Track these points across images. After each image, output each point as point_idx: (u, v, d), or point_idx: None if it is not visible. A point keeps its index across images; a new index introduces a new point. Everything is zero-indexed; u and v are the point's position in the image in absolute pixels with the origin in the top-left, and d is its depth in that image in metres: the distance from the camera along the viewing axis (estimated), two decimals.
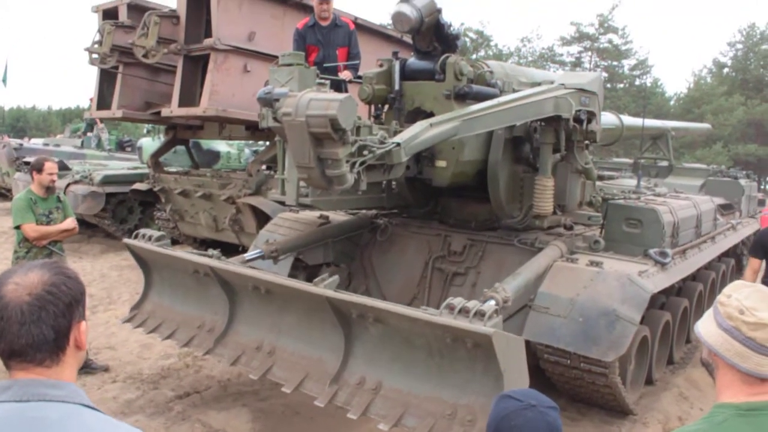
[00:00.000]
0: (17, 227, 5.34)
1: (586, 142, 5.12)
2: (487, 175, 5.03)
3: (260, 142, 13.11)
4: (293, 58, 4.32)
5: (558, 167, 5.19)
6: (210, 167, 11.57)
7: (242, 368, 4.31)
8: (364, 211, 6.01)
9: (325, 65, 5.80)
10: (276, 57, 4.47)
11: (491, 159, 5.00)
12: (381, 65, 5.11)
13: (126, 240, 5.17)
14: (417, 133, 3.70)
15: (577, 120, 4.74)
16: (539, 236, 5.09)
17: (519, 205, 5.19)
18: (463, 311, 3.25)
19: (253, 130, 9.14)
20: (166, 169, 10.70)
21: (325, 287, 3.78)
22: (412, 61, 5.05)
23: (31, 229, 5.32)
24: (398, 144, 3.53)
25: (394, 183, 5.45)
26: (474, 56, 34.05)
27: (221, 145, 13.13)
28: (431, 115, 4.63)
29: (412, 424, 3.38)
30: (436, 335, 3.34)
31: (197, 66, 8.37)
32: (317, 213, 5.97)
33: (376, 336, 3.68)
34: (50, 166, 5.49)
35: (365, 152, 3.45)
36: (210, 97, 7.76)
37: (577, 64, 41.24)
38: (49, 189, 5.49)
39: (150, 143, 13.58)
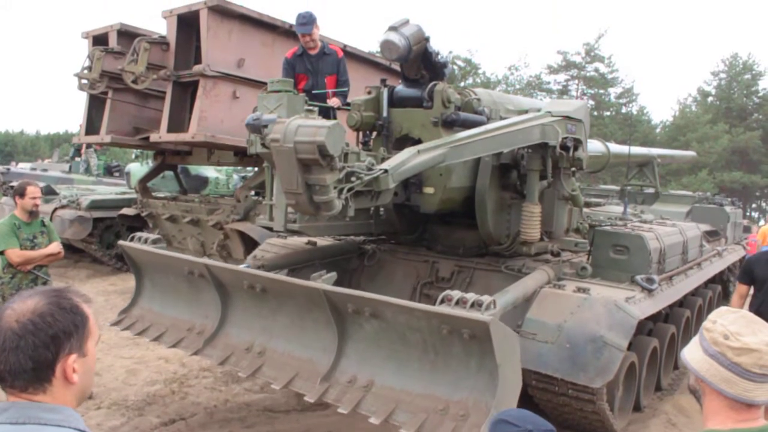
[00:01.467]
0: (0, 253, 5.30)
1: (573, 169, 5.16)
2: (474, 201, 5.05)
3: (249, 168, 13.09)
4: (282, 84, 4.34)
5: (545, 194, 5.22)
6: (198, 193, 11.56)
7: (231, 368, 4.30)
8: (352, 237, 6.01)
9: (313, 92, 5.83)
10: (265, 84, 4.49)
11: (479, 186, 5.02)
12: (369, 92, 5.14)
13: (121, 242, 5.20)
14: (405, 160, 3.71)
15: (564, 147, 4.78)
16: (526, 262, 5.11)
17: (506, 232, 5.21)
18: (461, 302, 3.33)
19: (241, 156, 9.15)
20: (154, 194, 10.67)
21: (323, 282, 3.83)
22: (400, 88, 5.09)
23: (15, 254, 5.27)
24: (386, 170, 3.55)
25: (381, 209, 5.45)
26: (462, 84, 34.39)
27: (210, 171, 13.13)
28: (419, 142, 4.66)
29: (403, 419, 3.36)
30: (432, 328, 3.35)
31: (186, 92, 8.41)
32: (305, 239, 5.97)
33: (371, 333, 3.68)
34: (33, 191, 5.45)
35: (353, 178, 3.47)
36: (199, 123, 7.79)
37: (564, 92, 41.75)
38: (33, 213, 5.45)
39: (138, 168, 13.56)
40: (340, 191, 3.42)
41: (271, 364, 4.07)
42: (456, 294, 3.40)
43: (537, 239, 5.03)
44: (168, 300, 4.97)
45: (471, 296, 3.37)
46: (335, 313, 3.75)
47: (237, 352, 4.27)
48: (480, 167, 5.03)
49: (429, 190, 4.84)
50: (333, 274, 3.95)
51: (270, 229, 4.94)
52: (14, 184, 13.37)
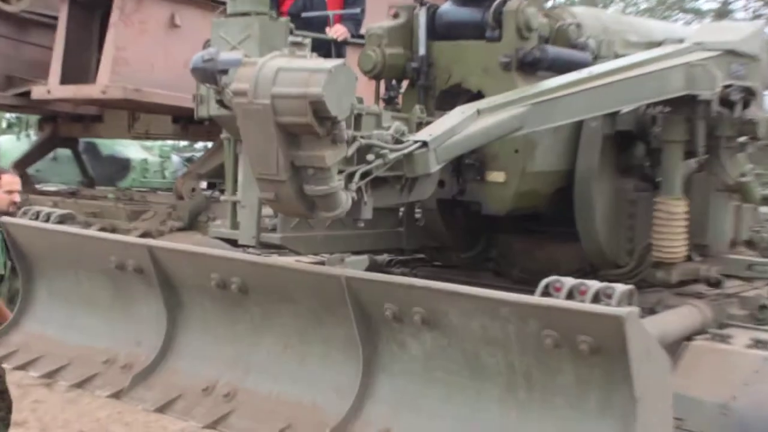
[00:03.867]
0: None
1: (742, 139, 5.12)
2: (573, 195, 5.05)
3: (197, 145, 13.13)
4: (252, 3, 4.36)
5: (694, 182, 5.19)
6: (114, 184, 11.65)
7: (177, 416, 4.29)
8: (366, 257, 6.00)
9: (303, 15, 5.85)
10: (222, 4, 4.52)
11: (580, 169, 5.02)
12: (396, 16, 5.16)
13: (3, 219, 5.24)
14: (455, 126, 3.71)
15: (726, 102, 4.75)
16: (664, 297, 5.09)
17: (628, 246, 5.20)
18: (577, 292, 3.20)
19: (184, 123, 9.20)
20: (39, 186, 10.78)
21: (348, 265, 3.89)
22: (448, 8, 5.12)
23: None
24: (425, 143, 3.55)
25: (418, 209, 5.47)
26: (550, 3, 34.27)
27: (132, 149, 13.22)
28: (479, 96, 4.66)
29: None
30: (525, 337, 3.25)
31: (92, 17, 8.47)
32: (292, 258, 5.99)
33: (420, 357, 3.64)
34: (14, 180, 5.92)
35: (370, 157, 3.46)
36: (113, 69, 7.84)
37: (723, 13, 41.48)
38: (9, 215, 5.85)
39: (12, 144, 13.69)
40: (349, 178, 3.42)
41: (246, 410, 4.05)
42: (568, 281, 3.25)
43: (681, 257, 5.00)
44: (75, 317, 5.00)
45: (594, 283, 3.23)
46: (363, 323, 3.69)
47: (188, 395, 4.26)
48: (582, 139, 5.02)
49: (497, 176, 4.84)
50: (364, 257, 3.95)
51: (233, 243, 4.96)
52: None
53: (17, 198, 5.81)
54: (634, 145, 5.15)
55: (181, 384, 4.35)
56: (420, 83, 5.02)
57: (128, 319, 4.76)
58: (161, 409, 4.26)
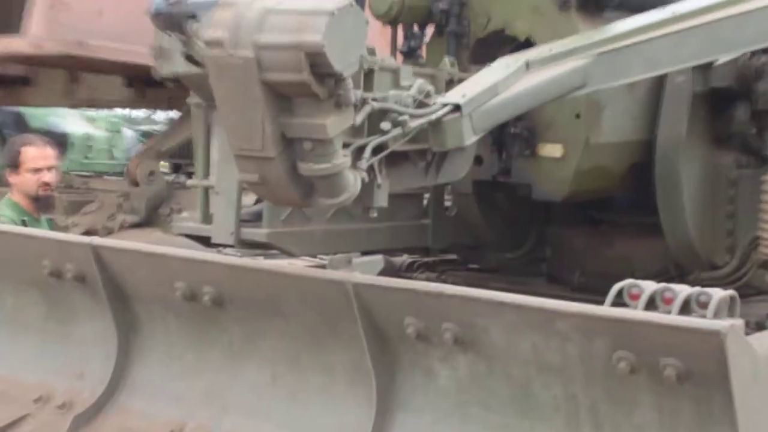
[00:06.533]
0: None
1: None
2: (654, 175, 5.04)
3: (157, 115, 13.18)
4: None
5: None
6: None
7: None
8: (381, 258, 5.99)
9: None
10: None
11: (662, 139, 5.01)
12: None
13: None
14: (497, 84, 3.71)
15: None
16: None
17: (728, 240, 5.21)
18: (661, 299, 3.21)
19: (140, 86, 9.21)
20: None
21: (357, 269, 3.89)
22: None
23: None
24: (457, 107, 3.55)
25: (449, 196, 5.45)
26: None
27: (71, 122, 13.26)
28: (528, 45, 4.69)
29: None
30: (592, 362, 3.19)
31: None
32: (284, 261, 5.98)
33: (452, 389, 3.62)
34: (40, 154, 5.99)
35: (386, 126, 3.45)
36: (49, 15, 7.84)
37: None
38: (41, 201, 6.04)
39: None
40: (358, 153, 3.42)
41: None
42: (649, 285, 3.25)
43: None
44: None
45: (683, 288, 3.22)
46: (376, 345, 3.68)
47: None
48: (665, 99, 5.02)
49: (553, 149, 4.86)
50: (378, 258, 3.92)
51: (204, 241, 4.96)
52: None
53: (47, 178, 5.92)
54: (734, 106, 5.13)
55: (137, 428, 4.35)
56: (450, 29, 5.04)
57: (67, 343, 4.76)
58: None
